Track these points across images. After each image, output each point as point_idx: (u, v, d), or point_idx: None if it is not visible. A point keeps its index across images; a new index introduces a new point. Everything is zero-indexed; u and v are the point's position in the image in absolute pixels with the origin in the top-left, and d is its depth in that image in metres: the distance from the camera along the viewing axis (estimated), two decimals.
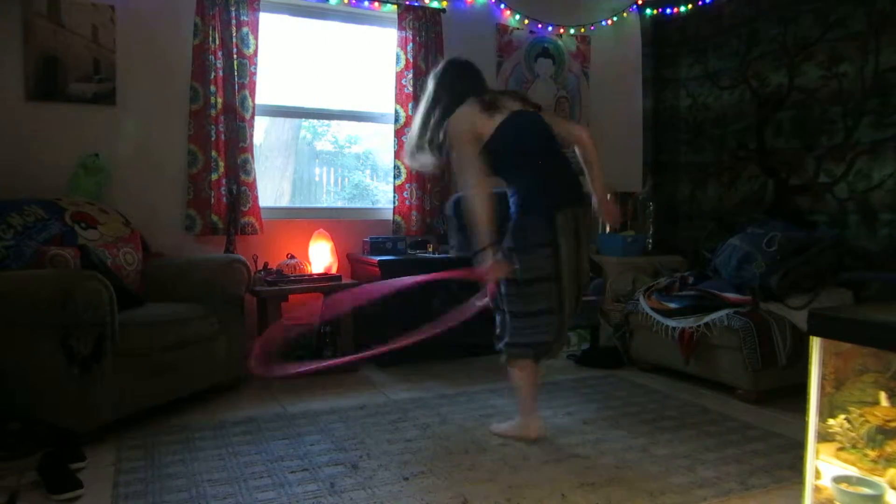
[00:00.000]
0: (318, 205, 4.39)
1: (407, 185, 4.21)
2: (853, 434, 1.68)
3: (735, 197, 4.37)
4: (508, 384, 2.66)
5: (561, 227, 2.42)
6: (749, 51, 4.24)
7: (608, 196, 2.80)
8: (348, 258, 4.11)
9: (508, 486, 2.14)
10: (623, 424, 2.77)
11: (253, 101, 3.80)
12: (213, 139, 3.69)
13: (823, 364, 1.65)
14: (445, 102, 2.54)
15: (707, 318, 3.19)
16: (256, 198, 3.83)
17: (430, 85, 2.62)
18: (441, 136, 2.53)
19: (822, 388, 1.66)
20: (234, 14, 3.71)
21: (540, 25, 4.70)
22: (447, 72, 2.61)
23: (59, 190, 3.32)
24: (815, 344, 1.65)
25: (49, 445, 2.29)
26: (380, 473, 2.25)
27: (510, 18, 4.61)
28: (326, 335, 3.70)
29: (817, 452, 1.70)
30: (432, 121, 2.57)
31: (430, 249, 4.03)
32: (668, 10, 4.80)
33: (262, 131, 4.23)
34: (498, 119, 2.45)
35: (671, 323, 3.35)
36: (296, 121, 4.40)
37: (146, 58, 3.63)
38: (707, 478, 2.22)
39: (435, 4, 4.27)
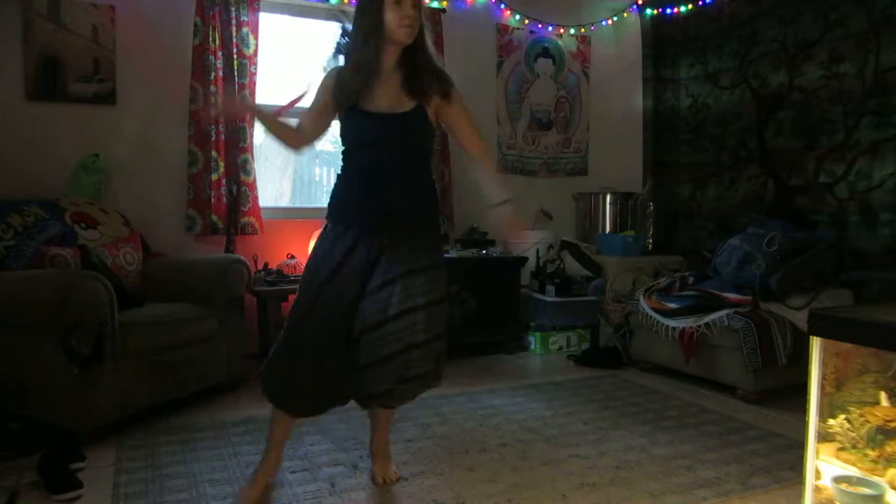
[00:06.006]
0: (318, 205, 4.38)
1: None
2: (853, 434, 1.68)
3: (735, 197, 4.36)
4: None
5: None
6: (749, 51, 4.24)
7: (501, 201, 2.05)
8: None
9: (509, 486, 2.14)
10: (623, 424, 2.77)
11: (253, 101, 3.79)
12: (213, 139, 3.69)
13: (823, 364, 1.65)
14: None
15: (707, 318, 3.19)
16: (256, 198, 3.83)
17: None
18: None
19: (822, 388, 1.66)
20: (234, 14, 3.70)
21: (540, 25, 4.70)
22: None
23: (59, 190, 3.32)
24: (815, 344, 1.65)
25: (49, 445, 2.29)
26: None
27: (510, 18, 4.61)
28: None
29: (817, 452, 1.70)
30: None
31: None
32: (668, 10, 4.80)
33: (263, 131, 4.23)
34: None
35: (671, 323, 3.35)
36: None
37: (146, 58, 3.63)
38: (707, 478, 2.22)
39: (435, 4, 4.27)
